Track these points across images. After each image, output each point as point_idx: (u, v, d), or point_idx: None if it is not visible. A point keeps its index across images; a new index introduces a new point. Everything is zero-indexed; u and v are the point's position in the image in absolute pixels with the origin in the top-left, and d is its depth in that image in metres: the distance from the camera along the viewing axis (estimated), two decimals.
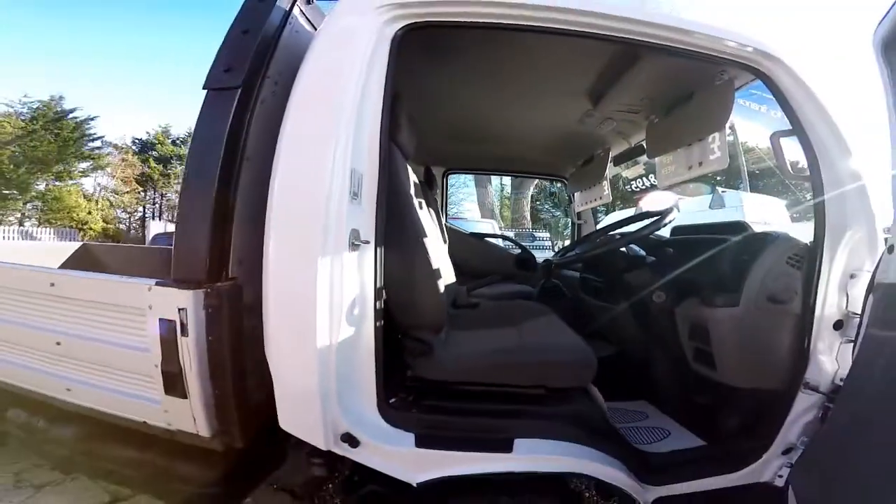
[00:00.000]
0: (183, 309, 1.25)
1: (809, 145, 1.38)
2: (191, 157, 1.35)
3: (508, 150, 3.38)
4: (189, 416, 1.33)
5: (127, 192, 28.82)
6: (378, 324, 1.28)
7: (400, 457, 1.27)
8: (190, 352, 1.27)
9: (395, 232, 1.36)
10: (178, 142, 32.79)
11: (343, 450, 1.27)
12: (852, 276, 1.36)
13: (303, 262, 1.22)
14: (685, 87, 1.96)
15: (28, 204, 22.14)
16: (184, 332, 1.26)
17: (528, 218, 16.29)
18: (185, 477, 1.53)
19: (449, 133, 2.97)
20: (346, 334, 1.25)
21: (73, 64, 41.25)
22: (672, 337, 1.84)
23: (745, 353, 1.56)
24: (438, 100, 2.33)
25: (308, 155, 1.25)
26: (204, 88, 1.34)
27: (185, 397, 1.31)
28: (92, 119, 23.44)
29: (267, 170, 1.30)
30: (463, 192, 35.47)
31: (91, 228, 24.15)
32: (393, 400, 1.35)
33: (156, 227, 19.88)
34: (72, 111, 22.48)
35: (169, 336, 1.27)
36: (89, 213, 24.54)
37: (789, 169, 1.44)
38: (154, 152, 31.13)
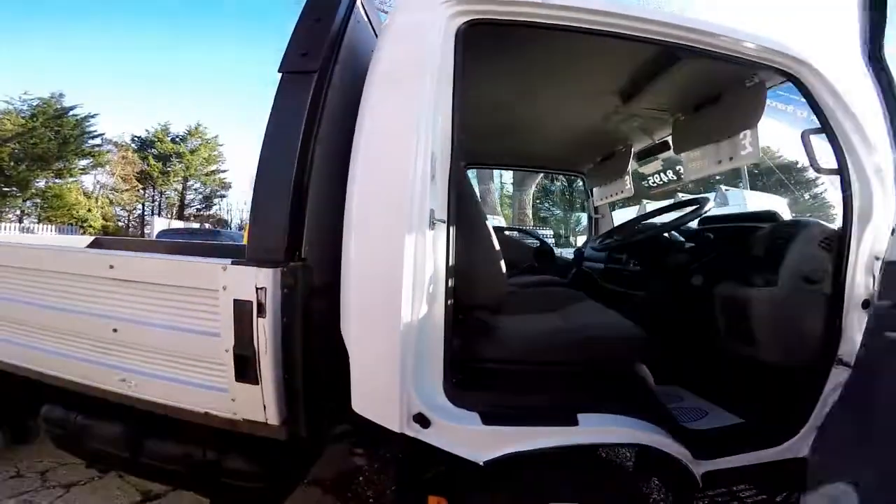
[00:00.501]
0: (262, 288, 1.23)
1: (837, 142, 1.48)
2: (269, 138, 1.34)
3: (529, 146, 3.43)
4: (259, 403, 1.30)
5: (126, 190, 28.73)
6: (449, 303, 1.30)
7: (467, 436, 1.29)
8: (266, 334, 1.24)
9: (462, 213, 1.39)
10: (177, 140, 32.69)
11: (415, 431, 1.27)
12: (877, 259, 1.44)
13: (388, 241, 1.24)
14: (715, 88, 2.06)
15: (27, 201, 22.08)
16: (261, 312, 1.23)
17: (530, 215, 16.39)
18: (237, 472, 1.52)
19: (473, 128, 3.01)
20: (422, 313, 1.27)
21: (71, 60, 40.85)
22: (709, 318, 1.90)
23: (783, 330, 1.63)
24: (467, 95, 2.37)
25: (393, 138, 1.29)
26: (280, 71, 1.37)
27: (257, 383, 1.28)
28: (92, 116, 23.49)
29: (337, 152, 1.34)
30: None
31: (91, 226, 24.07)
32: (455, 380, 1.36)
33: (160, 224, 19.87)
34: (72, 108, 22.45)
35: (245, 318, 1.25)
36: (89, 210, 24.49)
37: (818, 163, 1.52)
38: (153, 150, 31.05)
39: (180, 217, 33.11)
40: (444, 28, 1.32)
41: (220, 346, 1.31)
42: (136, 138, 31.01)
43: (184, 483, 1.83)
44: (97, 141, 24.68)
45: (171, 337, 1.39)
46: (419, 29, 1.32)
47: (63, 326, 1.57)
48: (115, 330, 1.43)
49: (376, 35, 1.78)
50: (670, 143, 2.68)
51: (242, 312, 1.27)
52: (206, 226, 25.92)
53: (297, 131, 1.31)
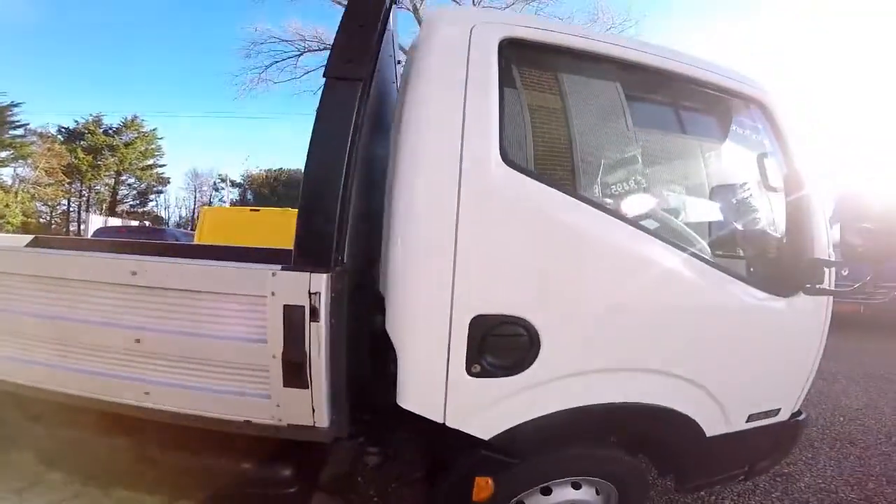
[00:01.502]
0: (316, 293, 1.19)
1: (786, 165, 1.68)
2: (317, 145, 1.29)
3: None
4: (308, 407, 1.27)
5: (50, 185, 26.08)
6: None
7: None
8: (319, 338, 1.22)
9: None
10: (110, 132, 30.22)
11: (458, 422, 1.37)
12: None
13: (438, 241, 1.28)
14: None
15: None
16: (314, 317, 1.20)
17: None
18: (262, 479, 1.47)
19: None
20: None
21: None
22: None
23: None
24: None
25: (440, 144, 1.32)
26: (325, 76, 1.32)
27: (307, 387, 1.25)
28: (16, 105, 21.12)
29: (365, 157, 1.37)
30: None
31: (9, 223, 21.68)
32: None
33: (96, 222, 18.20)
34: None
35: (295, 322, 1.20)
36: (7, 206, 22.04)
37: (769, 182, 1.69)
38: (83, 142, 28.47)
39: (112, 213, 30.62)
40: (484, 42, 1.41)
41: (267, 353, 1.26)
42: (63, 129, 28.33)
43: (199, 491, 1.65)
44: (20, 132, 22.19)
45: (208, 345, 1.32)
46: (459, 41, 1.40)
47: (79, 339, 1.44)
48: (137, 340, 1.33)
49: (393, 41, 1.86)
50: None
51: (293, 318, 1.21)
52: (146, 223, 24.12)
53: (346, 139, 1.29)
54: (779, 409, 1.82)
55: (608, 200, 1.59)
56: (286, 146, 58.90)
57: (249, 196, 33.26)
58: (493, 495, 1.49)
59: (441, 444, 1.56)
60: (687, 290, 1.52)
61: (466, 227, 1.30)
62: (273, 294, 1.21)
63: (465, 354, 1.33)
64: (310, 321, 1.21)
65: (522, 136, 1.54)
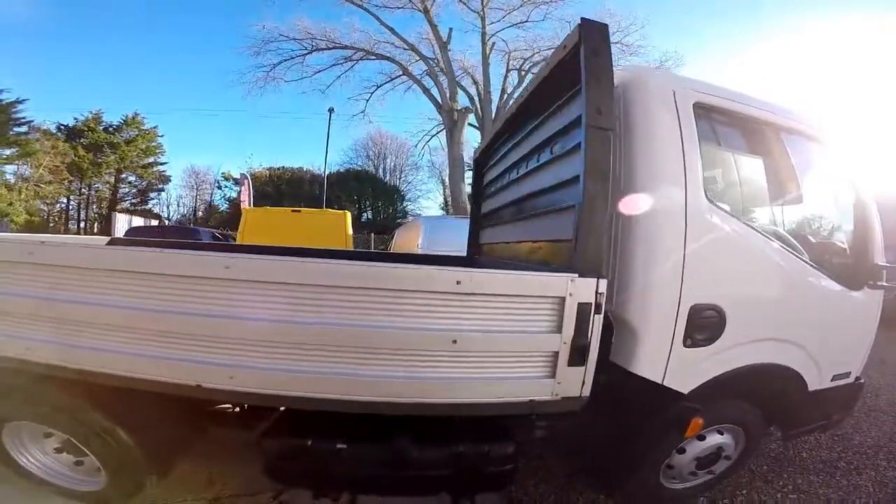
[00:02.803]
0: (600, 293, 1.65)
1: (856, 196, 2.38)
2: (591, 179, 1.67)
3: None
4: (579, 381, 1.72)
5: (49, 182, 25.79)
6: None
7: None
8: (597, 326, 1.67)
9: None
10: (111, 129, 29.91)
11: (677, 384, 1.91)
12: None
13: (668, 248, 1.83)
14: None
15: None
16: (597, 311, 1.65)
17: None
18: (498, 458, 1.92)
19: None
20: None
21: None
22: None
23: None
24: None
25: (672, 191, 1.84)
26: (587, 126, 1.73)
27: (583, 365, 1.69)
28: (20, 102, 20.87)
29: None
30: (420, 189, 35.82)
31: (13, 221, 21.49)
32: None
33: (121, 221, 18.19)
34: None
35: (584, 316, 1.64)
36: (10, 204, 21.83)
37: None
38: (84, 140, 28.15)
39: (112, 211, 30.34)
40: (685, 106, 1.92)
41: (559, 341, 1.68)
42: (62, 127, 27.96)
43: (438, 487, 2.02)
44: (23, 129, 21.91)
45: (510, 339, 1.69)
46: (671, 106, 1.92)
47: (399, 345, 1.64)
48: (454, 341, 1.61)
49: None
50: None
51: (583, 312, 1.66)
52: (170, 222, 23.92)
53: (608, 176, 1.71)
54: (849, 373, 2.46)
55: (762, 225, 2.13)
56: (288, 145, 58.38)
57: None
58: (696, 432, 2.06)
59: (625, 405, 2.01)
60: (803, 283, 2.17)
61: (689, 247, 1.81)
62: (571, 295, 1.64)
63: (683, 332, 1.85)
64: (593, 314, 1.67)
65: (712, 180, 2.05)
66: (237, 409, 2.23)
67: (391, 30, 18.14)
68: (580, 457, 2.41)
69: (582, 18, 1.81)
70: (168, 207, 34.13)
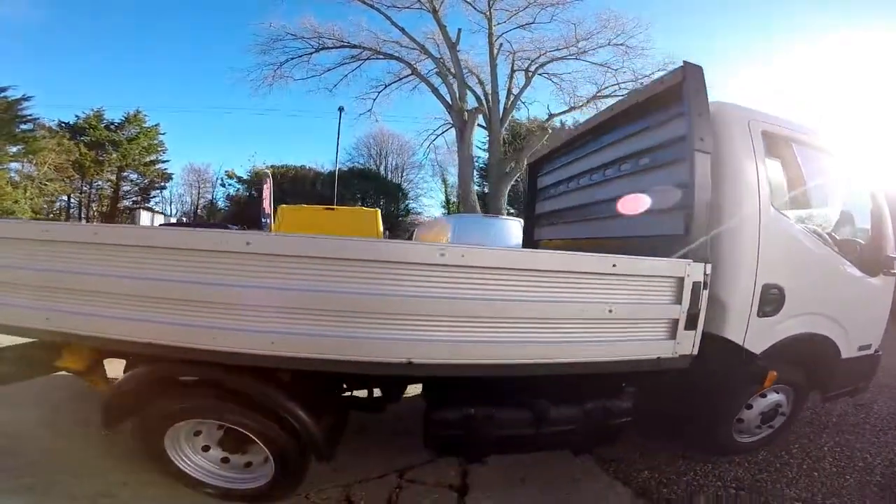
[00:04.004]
0: (708, 274, 2.25)
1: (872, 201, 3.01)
2: (698, 190, 2.24)
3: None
4: (691, 342, 2.30)
5: (51, 180, 25.74)
6: None
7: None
8: (704, 299, 2.26)
9: None
10: (112, 127, 29.85)
11: (751, 346, 2.49)
12: None
13: (751, 248, 2.43)
14: None
15: None
16: (705, 287, 2.25)
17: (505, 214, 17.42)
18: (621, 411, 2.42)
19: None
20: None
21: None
22: None
23: None
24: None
25: (753, 197, 2.46)
26: (694, 150, 2.26)
27: (695, 329, 2.28)
28: (27, 99, 20.88)
29: None
30: (422, 188, 36.12)
31: (19, 219, 21.46)
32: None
33: (144, 218, 18.36)
34: (3, 90, 19.85)
35: (696, 292, 2.23)
36: (15, 202, 21.81)
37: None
38: (85, 137, 28.10)
39: (113, 209, 30.39)
40: (757, 133, 2.52)
41: (679, 310, 2.27)
42: (63, 124, 27.87)
43: (564, 443, 2.50)
44: (29, 126, 21.88)
45: (646, 309, 2.25)
46: (748, 132, 2.51)
47: (566, 315, 2.11)
48: (610, 310, 2.14)
49: None
50: None
51: (696, 288, 2.23)
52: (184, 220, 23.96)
53: (709, 185, 2.32)
54: (871, 345, 3.10)
55: (807, 225, 2.72)
56: (289, 144, 58.18)
57: (254, 193, 33.32)
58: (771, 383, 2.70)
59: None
60: (835, 270, 2.80)
61: (763, 240, 2.42)
62: (688, 276, 2.22)
63: (757, 305, 2.45)
64: (703, 290, 2.25)
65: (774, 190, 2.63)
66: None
67: (402, 30, 18.12)
68: (659, 421, 2.89)
69: (685, 62, 2.36)
70: (171, 205, 34.18)
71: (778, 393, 2.89)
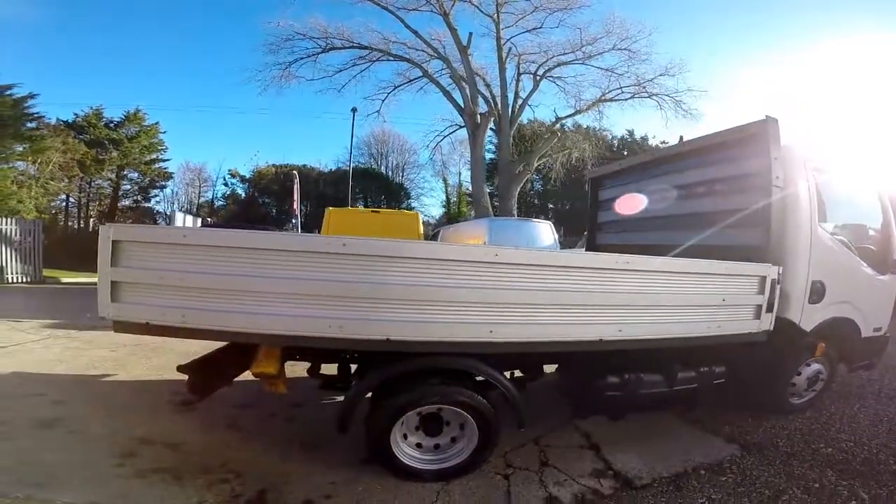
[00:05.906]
0: (781, 273, 3.26)
1: (882, 214, 3.83)
2: (775, 212, 3.24)
3: None
4: (770, 321, 3.31)
5: (52, 179, 25.56)
6: None
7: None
8: (776, 291, 3.24)
9: None
10: (112, 125, 29.64)
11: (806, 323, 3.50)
12: None
13: (804, 255, 3.45)
14: None
15: None
16: (778, 282, 3.26)
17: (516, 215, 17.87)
18: (720, 374, 3.39)
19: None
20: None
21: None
22: None
23: None
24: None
25: (808, 219, 3.48)
26: (773, 186, 3.19)
27: (771, 311, 3.28)
28: (32, 97, 20.70)
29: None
30: (422, 187, 36.64)
31: (23, 218, 21.41)
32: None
33: (178, 220, 18.53)
34: (9, 88, 19.74)
35: (772, 286, 3.23)
36: (20, 201, 21.67)
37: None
38: (85, 136, 27.88)
39: (113, 208, 30.27)
40: (803, 164, 3.52)
41: (763, 299, 3.28)
42: (61, 122, 27.58)
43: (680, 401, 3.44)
44: (33, 124, 21.70)
45: (744, 298, 3.24)
46: (800, 164, 3.49)
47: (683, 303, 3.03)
48: (723, 300, 3.12)
49: None
50: None
51: (773, 283, 3.19)
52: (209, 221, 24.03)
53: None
54: (881, 328, 4.18)
55: (838, 237, 3.76)
56: (290, 143, 57.64)
57: (256, 193, 33.52)
58: (820, 354, 3.74)
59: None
60: (856, 269, 3.92)
61: (813, 249, 3.46)
62: (769, 274, 3.22)
63: (808, 294, 3.49)
64: (777, 284, 3.25)
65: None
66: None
67: (415, 32, 18.38)
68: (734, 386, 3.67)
69: (766, 115, 3.28)
70: (173, 204, 34.08)
71: (818, 363, 3.90)
